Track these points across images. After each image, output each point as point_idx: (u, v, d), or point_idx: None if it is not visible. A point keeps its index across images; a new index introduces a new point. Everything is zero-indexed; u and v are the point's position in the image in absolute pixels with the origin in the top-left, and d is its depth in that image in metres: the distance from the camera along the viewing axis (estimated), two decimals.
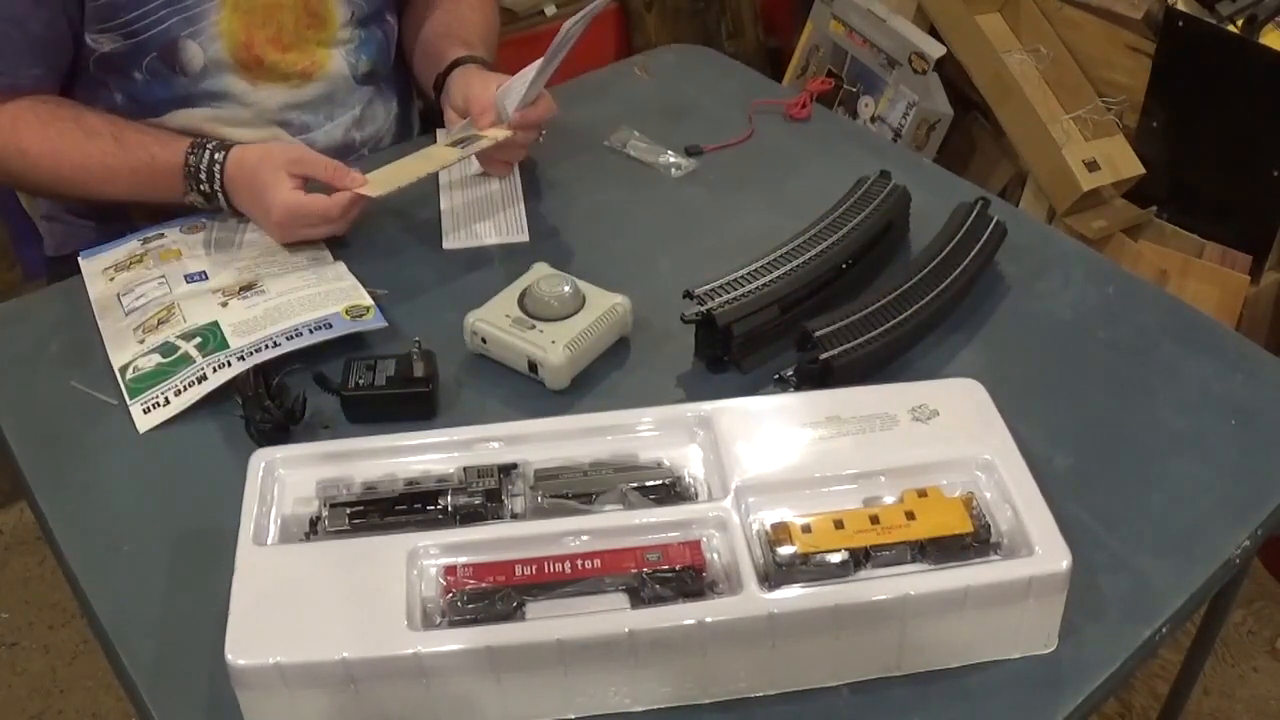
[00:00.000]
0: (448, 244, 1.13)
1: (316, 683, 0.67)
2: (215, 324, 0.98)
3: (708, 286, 0.95)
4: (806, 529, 0.74)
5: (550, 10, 2.22)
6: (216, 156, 1.07)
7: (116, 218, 1.19)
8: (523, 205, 1.17)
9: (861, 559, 0.73)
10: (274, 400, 0.90)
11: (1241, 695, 1.64)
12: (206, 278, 1.06)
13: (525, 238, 1.13)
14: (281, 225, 1.06)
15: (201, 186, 1.08)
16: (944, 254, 1.02)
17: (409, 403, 0.92)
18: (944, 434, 0.80)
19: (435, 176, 1.20)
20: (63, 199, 1.24)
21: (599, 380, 0.96)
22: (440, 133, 1.24)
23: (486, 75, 1.17)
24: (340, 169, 1.06)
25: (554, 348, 0.93)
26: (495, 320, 0.95)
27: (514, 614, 0.71)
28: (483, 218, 1.16)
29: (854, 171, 1.12)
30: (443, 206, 1.17)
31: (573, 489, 0.78)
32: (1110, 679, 0.74)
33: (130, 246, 1.11)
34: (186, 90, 1.14)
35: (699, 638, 0.69)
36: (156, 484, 0.89)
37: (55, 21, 1.07)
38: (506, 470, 0.79)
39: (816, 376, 0.91)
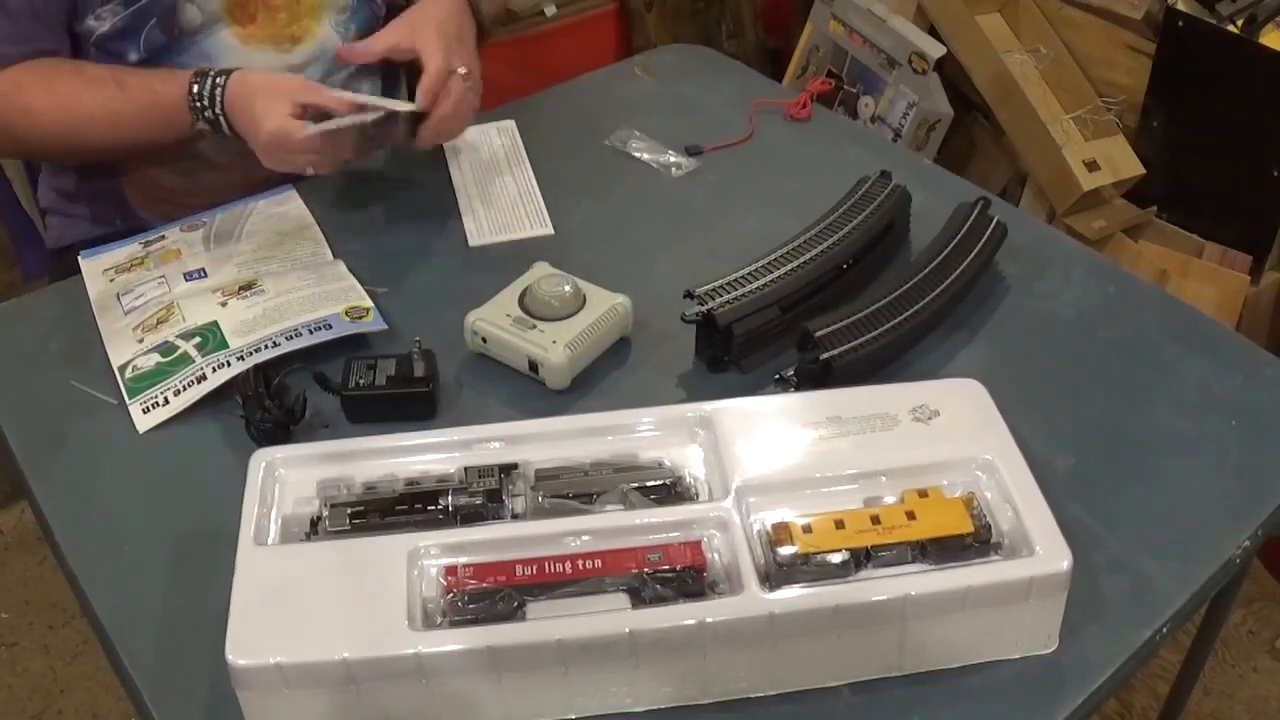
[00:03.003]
0: (474, 241, 1.13)
1: (317, 683, 0.67)
2: (215, 324, 0.98)
3: (708, 286, 0.95)
4: (807, 529, 0.74)
5: (550, 10, 2.21)
6: (219, 80, 1.07)
7: (114, 201, 1.20)
8: (541, 198, 1.17)
9: (862, 559, 0.73)
10: (274, 400, 0.90)
11: (1241, 695, 1.64)
12: (205, 275, 1.06)
13: (550, 230, 1.13)
14: (267, 149, 1.06)
15: (206, 113, 1.08)
16: (944, 254, 1.02)
17: (409, 403, 0.92)
18: (944, 434, 0.80)
19: (449, 175, 1.20)
20: (73, 157, 1.23)
21: (599, 380, 0.96)
22: None
23: (445, 39, 1.12)
24: (349, 97, 1.06)
25: (555, 347, 0.92)
26: (496, 320, 0.95)
27: (514, 614, 0.71)
28: (504, 213, 1.16)
29: (854, 171, 1.12)
30: (461, 206, 1.17)
31: (573, 489, 0.78)
32: (1111, 679, 0.74)
33: (131, 249, 1.11)
34: (183, 60, 1.14)
35: (700, 638, 0.69)
36: (156, 484, 0.89)
37: None
38: (507, 470, 0.79)
39: (817, 376, 0.91)
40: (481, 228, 1.14)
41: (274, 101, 1.04)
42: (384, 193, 1.20)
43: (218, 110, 1.08)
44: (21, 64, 1.09)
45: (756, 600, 0.69)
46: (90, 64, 1.12)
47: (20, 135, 1.11)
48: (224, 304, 1.01)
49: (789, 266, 0.99)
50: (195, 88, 1.07)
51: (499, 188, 1.20)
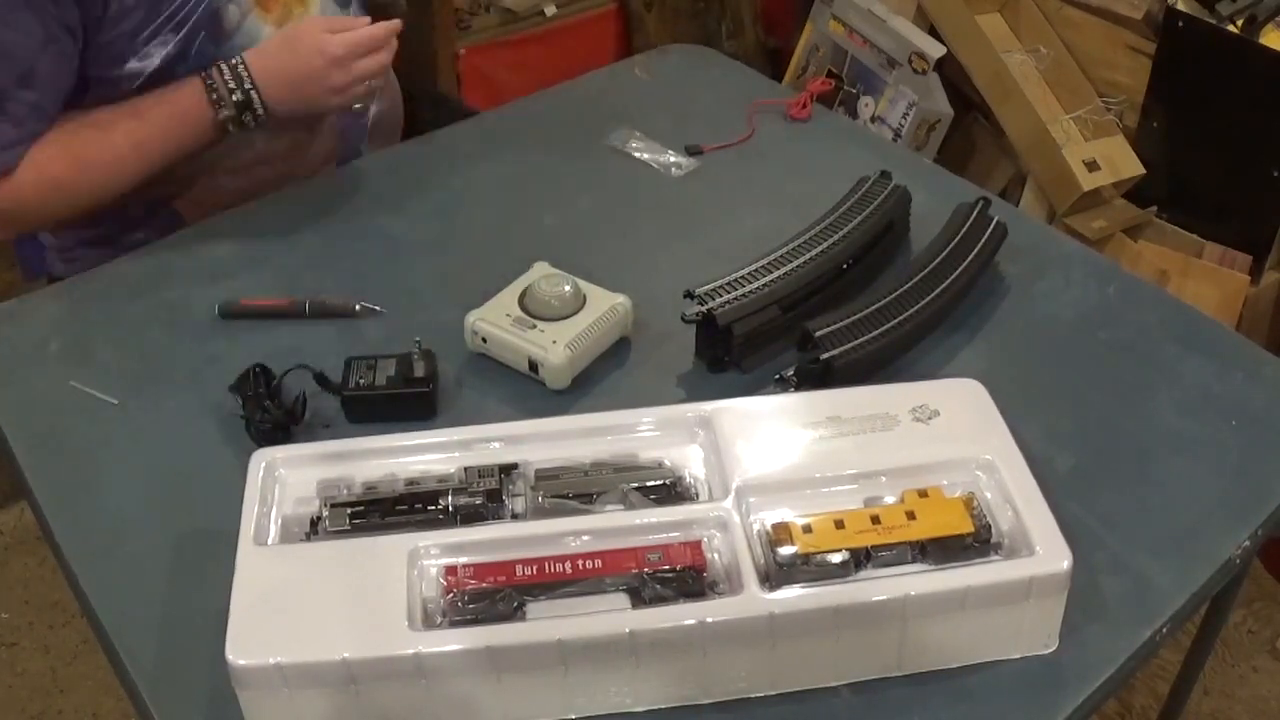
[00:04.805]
0: None
1: (317, 683, 0.67)
2: None
3: (708, 286, 0.95)
4: (807, 529, 0.74)
5: (550, 10, 2.21)
6: (233, 61, 1.08)
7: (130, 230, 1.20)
8: None
9: (862, 559, 0.73)
10: (274, 400, 0.90)
11: (1241, 695, 1.64)
12: None
13: None
14: (334, 61, 1.07)
15: (234, 95, 1.08)
16: (944, 254, 1.02)
17: (409, 403, 0.92)
18: (944, 434, 0.80)
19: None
20: (119, 200, 1.16)
21: (599, 380, 0.96)
22: None
23: None
24: (380, 24, 1.10)
25: (555, 347, 0.93)
26: (496, 320, 0.95)
27: (514, 614, 0.71)
28: None
29: (854, 171, 1.12)
30: None
31: (573, 489, 0.78)
32: (1111, 679, 0.74)
33: None
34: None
35: (700, 638, 0.69)
36: (156, 484, 0.89)
37: (60, 60, 1.04)
38: (507, 470, 0.79)
39: (817, 376, 0.91)
40: None
41: (310, 26, 1.08)
42: (382, 192, 1.20)
43: (247, 86, 1.08)
44: (34, 144, 1.05)
45: (756, 600, 0.69)
46: (98, 110, 1.08)
47: (60, 207, 1.10)
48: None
49: (789, 266, 0.99)
50: (209, 81, 1.07)
51: None
